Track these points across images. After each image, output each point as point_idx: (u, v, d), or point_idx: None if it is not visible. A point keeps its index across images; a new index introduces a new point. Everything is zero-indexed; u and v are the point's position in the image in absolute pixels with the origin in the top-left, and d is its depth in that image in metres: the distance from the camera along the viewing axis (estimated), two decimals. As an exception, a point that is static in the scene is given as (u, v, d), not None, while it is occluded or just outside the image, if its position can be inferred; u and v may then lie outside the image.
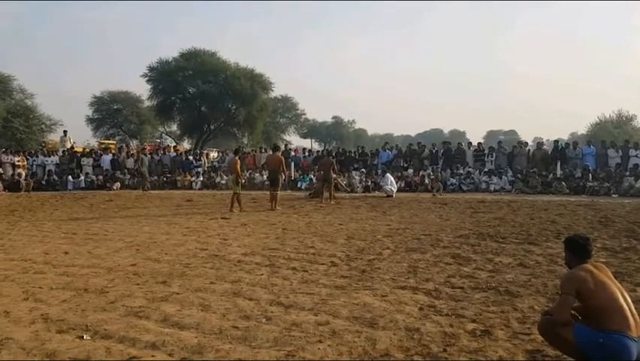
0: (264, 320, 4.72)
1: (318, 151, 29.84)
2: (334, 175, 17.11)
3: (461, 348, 4.01)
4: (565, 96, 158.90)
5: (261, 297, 5.46)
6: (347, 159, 23.11)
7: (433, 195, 17.82)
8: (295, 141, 58.14)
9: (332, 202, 15.80)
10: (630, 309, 3.46)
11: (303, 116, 60.28)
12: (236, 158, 14.86)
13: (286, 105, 55.42)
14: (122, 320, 4.77)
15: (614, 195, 16.89)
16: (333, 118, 76.95)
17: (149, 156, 24.17)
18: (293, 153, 26.46)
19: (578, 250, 3.76)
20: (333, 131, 75.97)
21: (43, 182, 22.33)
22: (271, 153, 17.23)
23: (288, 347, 4.06)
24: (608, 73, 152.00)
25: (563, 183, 18.44)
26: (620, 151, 19.77)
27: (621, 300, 3.47)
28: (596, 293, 3.47)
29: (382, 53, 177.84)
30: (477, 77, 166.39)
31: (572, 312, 3.59)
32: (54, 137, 34.45)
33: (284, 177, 14.73)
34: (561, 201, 15.44)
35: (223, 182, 21.99)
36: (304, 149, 30.08)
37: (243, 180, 15.16)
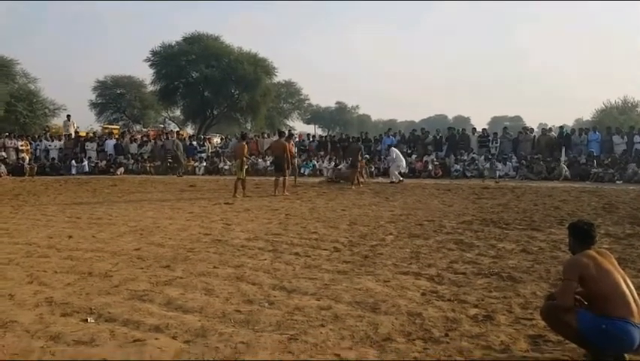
0: (266, 305, 4.74)
1: (321, 136, 29.73)
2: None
3: (463, 333, 4.02)
4: (572, 82, 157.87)
5: (263, 281, 5.48)
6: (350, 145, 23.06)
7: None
8: (299, 126, 58.04)
9: (361, 186, 15.97)
10: (633, 296, 3.46)
11: (307, 102, 60.10)
12: (243, 143, 14.87)
13: (290, 90, 55.15)
14: (126, 303, 4.80)
15: (618, 182, 16.84)
16: (336, 103, 76.88)
17: (183, 141, 24.28)
18: (297, 139, 26.40)
19: (581, 235, 3.75)
20: (337, 116, 75.79)
21: (47, 167, 22.39)
22: (276, 138, 17.20)
23: (291, 331, 4.08)
24: (617, 59, 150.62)
25: (563, 165, 18.38)
26: (625, 137, 19.66)
27: (624, 287, 3.46)
28: (599, 280, 3.46)
29: (389, 39, 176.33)
30: (483, 62, 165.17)
31: (577, 297, 3.59)
32: (57, 121, 34.48)
33: (288, 163, 14.79)
34: (565, 187, 15.39)
35: (226, 167, 22.00)
36: (308, 134, 29.99)
37: (247, 166, 15.20)
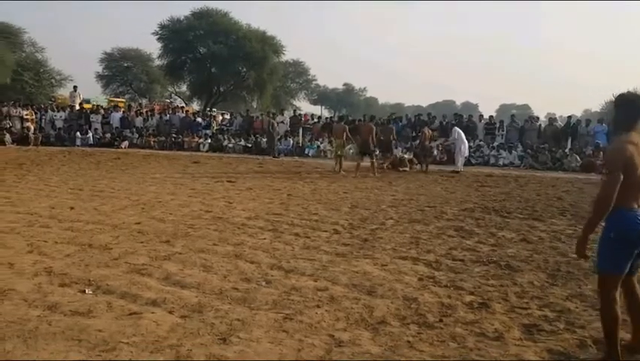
0: (264, 283, 4.76)
1: (327, 118, 29.57)
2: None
3: (457, 319, 4.03)
4: (584, 69, 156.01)
5: (262, 260, 5.50)
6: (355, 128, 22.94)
7: None
8: (305, 107, 57.77)
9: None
10: None
11: (314, 82, 59.70)
12: (343, 124, 16.60)
13: (297, 70, 54.72)
14: (124, 276, 4.83)
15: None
16: (344, 85, 76.30)
17: (188, 117, 24.55)
18: (302, 119, 26.30)
19: (628, 107, 3.39)
20: (344, 98, 75.32)
21: (52, 137, 22.43)
22: (364, 122, 18.61)
23: (286, 310, 4.10)
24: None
25: (576, 155, 18.27)
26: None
27: None
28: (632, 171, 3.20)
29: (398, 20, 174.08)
30: (494, 47, 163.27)
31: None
32: (64, 92, 34.36)
33: (373, 146, 15.25)
34: (570, 178, 15.33)
35: (230, 145, 21.98)
36: (312, 115, 29.87)
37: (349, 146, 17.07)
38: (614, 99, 3.55)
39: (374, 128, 15.43)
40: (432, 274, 5.22)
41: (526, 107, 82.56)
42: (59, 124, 23.40)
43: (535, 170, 17.67)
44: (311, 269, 5.24)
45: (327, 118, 29.24)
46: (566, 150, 19.19)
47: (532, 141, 20.17)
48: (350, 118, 26.37)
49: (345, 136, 15.67)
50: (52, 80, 35.22)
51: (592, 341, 3.65)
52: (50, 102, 27.21)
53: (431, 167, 17.17)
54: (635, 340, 3.48)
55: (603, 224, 3.34)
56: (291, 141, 22.03)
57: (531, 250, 6.36)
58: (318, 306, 4.23)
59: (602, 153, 18.26)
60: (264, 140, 22.07)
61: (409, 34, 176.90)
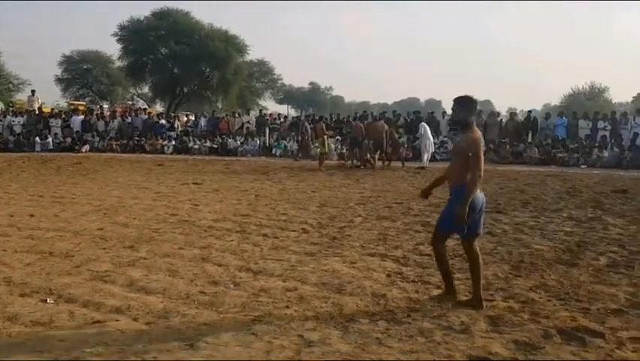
0: (231, 286, 4.72)
1: (294, 117, 29.50)
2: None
3: (425, 314, 4.08)
4: (542, 67, 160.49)
5: (230, 263, 5.44)
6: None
7: None
8: (271, 106, 57.46)
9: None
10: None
11: (280, 82, 59.41)
12: (322, 123, 17.68)
13: (262, 69, 54.38)
14: (86, 284, 4.71)
15: (582, 166, 17.25)
16: (310, 84, 76.26)
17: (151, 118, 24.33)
18: (268, 119, 26.15)
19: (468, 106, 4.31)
20: (310, 97, 75.30)
21: (11, 143, 21.73)
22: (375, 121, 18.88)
23: (255, 313, 4.07)
24: (587, 45, 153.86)
25: (535, 148, 18.73)
26: (590, 123, 20.08)
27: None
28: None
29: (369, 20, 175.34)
30: (456, 45, 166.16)
31: None
32: (22, 97, 33.34)
33: (386, 145, 16.25)
34: (531, 171, 15.70)
35: (196, 147, 21.71)
36: (279, 114, 29.76)
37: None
38: (454, 101, 4.34)
39: (387, 127, 16.44)
40: (400, 270, 5.27)
41: (488, 102, 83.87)
42: (18, 129, 22.69)
43: (497, 164, 18.00)
44: (280, 270, 5.22)
45: (293, 117, 29.15)
46: (527, 143, 19.64)
47: (493, 135, 20.55)
48: (317, 117, 26.40)
49: (325, 134, 16.61)
50: (10, 85, 34.10)
51: (556, 331, 3.74)
52: (8, 107, 26.31)
53: (397, 163, 17.30)
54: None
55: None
56: (258, 141, 21.90)
57: (495, 242, 6.49)
58: (287, 307, 4.21)
59: (561, 145, 18.81)
60: (230, 140, 21.87)
61: (372, 34, 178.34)
